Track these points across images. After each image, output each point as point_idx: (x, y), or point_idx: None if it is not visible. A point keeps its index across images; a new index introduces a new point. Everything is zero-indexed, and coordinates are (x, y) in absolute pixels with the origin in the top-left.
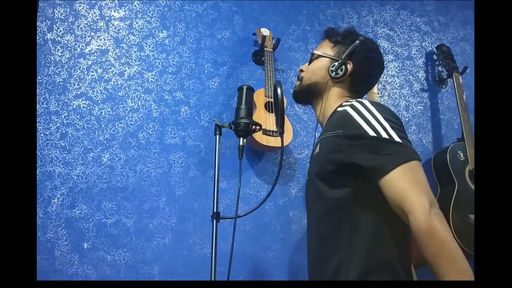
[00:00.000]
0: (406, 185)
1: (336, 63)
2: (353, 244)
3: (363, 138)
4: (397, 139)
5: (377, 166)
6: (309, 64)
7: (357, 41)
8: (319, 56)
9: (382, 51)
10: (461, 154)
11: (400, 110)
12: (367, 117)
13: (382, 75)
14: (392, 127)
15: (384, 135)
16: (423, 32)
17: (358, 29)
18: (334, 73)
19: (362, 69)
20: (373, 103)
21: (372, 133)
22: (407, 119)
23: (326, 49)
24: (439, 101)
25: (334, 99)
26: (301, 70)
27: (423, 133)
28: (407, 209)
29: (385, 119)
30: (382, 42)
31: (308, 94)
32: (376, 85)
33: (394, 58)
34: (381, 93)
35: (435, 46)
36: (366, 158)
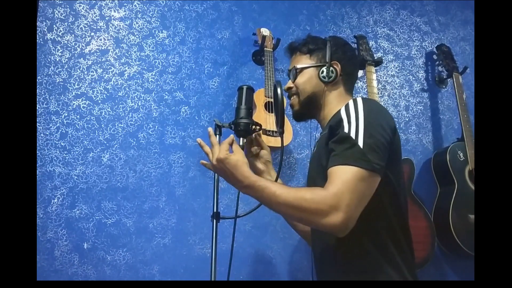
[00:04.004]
0: (339, 180)
1: (324, 68)
2: (354, 245)
3: (337, 132)
4: (359, 142)
5: (330, 158)
6: (294, 81)
7: (329, 41)
8: (303, 69)
9: (382, 51)
10: (461, 154)
11: (400, 110)
12: (351, 114)
13: (382, 75)
14: (365, 130)
15: (352, 134)
16: (423, 32)
17: (358, 29)
18: (327, 78)
19: (347, 64)
20: (367, 102)
21: (346, 129)
22: (407, 119)
23: (305, 60)
24: (439, 101)
25: (335, 102)
26: (290, 88)
27: (423, 133)
28: (326, 185)
29: (365, 120)
30: (382, 42)
31: (310, 106)
32: (376, 85)
33: (394, 58)
34: (381, 93)
35: (435, 46)
36: (330, 150)
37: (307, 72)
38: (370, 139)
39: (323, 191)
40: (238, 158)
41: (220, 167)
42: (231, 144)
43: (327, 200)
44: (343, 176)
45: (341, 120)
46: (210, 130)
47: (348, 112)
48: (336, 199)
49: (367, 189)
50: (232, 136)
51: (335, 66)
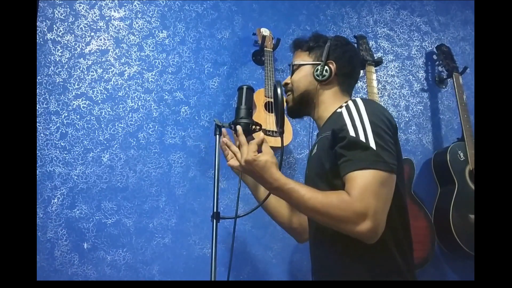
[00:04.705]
0: (361, 185)
1: (319, 67)
2: (355, 245)
3: (343, 137)
4: (371, 144)
5: (343, 164)
6: (291, 77)
7: (329, 40)
8: (300, 65)
9: (382, 51)
10: (461, 154)
11: (400, 110)
12: (354, 117)
13: (382, 75)
14: (373, 131)
15: (361, 137)
16: (423, 32)
17: (358, 29)
18: (320, 76)
19: (344, 64)
20: (368, 103)
21: (352, 133)
22: (407, 119)
23: (303, 57)
24: (439, 101)
25: (330, 101)
26: (287, 83)
27: (423, 133)
28: (349, 191)
29: (371, 121)
30: (382, 42)
31: (302, 104)
32: (376, 85)
33: (394, 58)
34: (381, 93)
35: (435, 46)
36: (340, 155)
37: (303, 69)
38: (380, 139)
39: (349, 197)
40: (267, 159)
41: (249, 168)
42: (260, 145)
43: (354, 207)
44: (364, 181)
45: (344, 124)
46: (239, 128)
47: (351, 115)
48: (363, 206)
49: (389, 192)
50: (262, 135)
51: (330, 65)
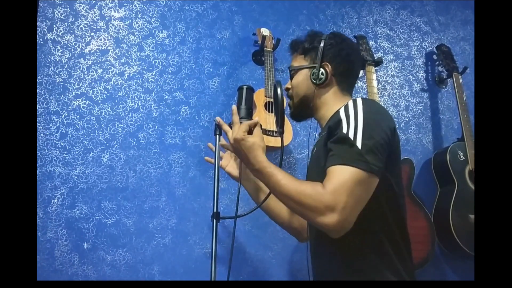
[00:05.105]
0: (336, 180)
1: (314, 70)
2: (351, 246)
3: (336, 133)
4: (358, 143)
5: (328, 159)
6: (291, 81)
7: (323, 40)
8: (297, 70)
9: (382, 51)
10: (461, 154)
11: (400, 110)
12: (350, 115)
13: (382, 75)
14: (364, 131)
15: (351, 134)
16: (423, 32)
17: (358, 29)
18: (317, 80)
19: (341, 63)
20: (368, 103)
21: (344, 129)
22: (407, 119)
23: (300, 61)
24: (439, 101)
25: (332, 103)
26: (288, 89)
27: (423, 133)
28: (324, 183)
29: (365, 122)
30: (382, 42)
31: (303, 108)
32: (376, 85)
33: (394, 58)
34: (381, 93)
35: (435, 46)
36: (329, 150)
37: (301, 74)
38: (369, 140)
39: (322, 188)
40: (254, 141)
41: (236, 146)
42: (252, 127)
43: (324, 199)
44: (341, 176)
45: (340, 121)
46: (234, 108)
47: (348, 112)
48: (333, 199)
49: (365, 191)
50: (257, 119)
51: (325, 68)
